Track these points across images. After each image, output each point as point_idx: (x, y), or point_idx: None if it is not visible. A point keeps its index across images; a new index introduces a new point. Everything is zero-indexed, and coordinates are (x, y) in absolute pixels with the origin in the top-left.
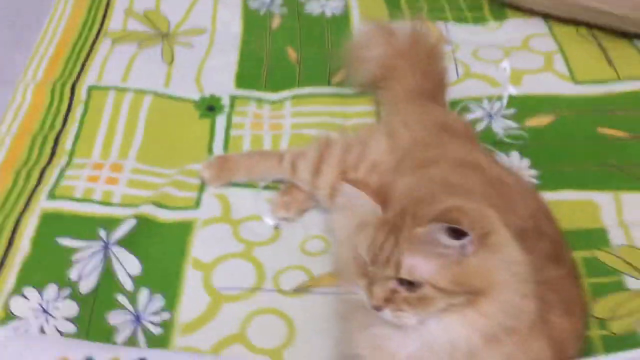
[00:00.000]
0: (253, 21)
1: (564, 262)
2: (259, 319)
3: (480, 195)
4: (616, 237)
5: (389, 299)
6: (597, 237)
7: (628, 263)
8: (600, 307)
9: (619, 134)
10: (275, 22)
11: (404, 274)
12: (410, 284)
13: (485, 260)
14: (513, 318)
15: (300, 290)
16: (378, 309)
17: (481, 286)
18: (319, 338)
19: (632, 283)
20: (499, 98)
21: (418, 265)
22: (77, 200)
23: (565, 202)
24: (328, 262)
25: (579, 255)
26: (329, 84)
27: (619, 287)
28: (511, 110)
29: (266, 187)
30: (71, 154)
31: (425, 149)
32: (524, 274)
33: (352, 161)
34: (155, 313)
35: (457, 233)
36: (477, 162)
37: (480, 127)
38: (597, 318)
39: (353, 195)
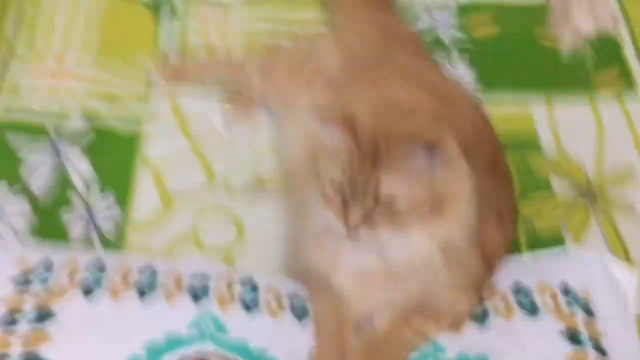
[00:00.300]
0: None
1: (500, 171)
2: (209, 217)
3: (430, 109)
4: (548, 143)
5: (366, 218)
6: (529, 142)
7: (557, 167)
8: (527, 206)
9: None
10: None
11: (383, 197)
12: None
13: (444, 174)
14: (465, 229)
15: (250, 190)
16: (354, 229)
17: (446, 198)
18: (267, 235)
19: (558, 186)
20: (446, 7)
21: (395, 185)
22: (24, 96)
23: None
24: (276, 160)
25: (511, 162)
26: None
27: (548, 189)
28: (458, 20)
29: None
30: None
31: (371, 58)
32: (471, 187)
33: (297, 63)
34: (107, 209)
35: (429, 153)
36: (424, 75)
37: (428, 37)
38: (522, 216)
39: (327, 133)
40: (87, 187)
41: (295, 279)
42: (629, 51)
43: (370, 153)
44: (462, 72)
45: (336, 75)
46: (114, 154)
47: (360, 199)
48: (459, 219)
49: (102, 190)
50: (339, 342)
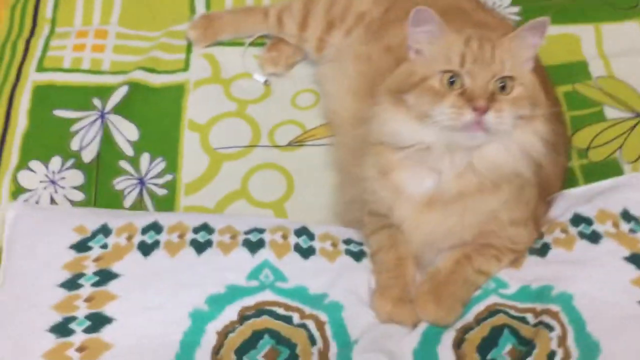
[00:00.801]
0: None
1: (549, 99)
2: (258, 175)
3: None
4: (596, 69)
5: (491, 101)
6: (577, 70)
7: (607, 94)
8: (580, 138)
9: None
10: None
11: (507, 71)
12: (502, 90)
13: (536, 81)
14: (547, 143)
15: (295, 143)
16: (483, 111)
17: (539, 102)
18: (316, 187)
19: (610, 113)
20: None
21: (513, 65)
22: (67, 70)
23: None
24: (319, 114)
25: (560, 90)
26: None
27: (599, 118)
28: None
29: (253, 44)
30: (53, 23)
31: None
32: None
33: (337, 13)
34: (158, 176)
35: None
36: (461, 7)
37: None
38: (577, 148)
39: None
40: (137, 154)
41: (347, 225)
42: None
43: (485, 38)
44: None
45: (375, 15)
46: (160, 120)
47: (488, 68)
48: (547, 122)
49: (152, 155)
50: (399, 275)
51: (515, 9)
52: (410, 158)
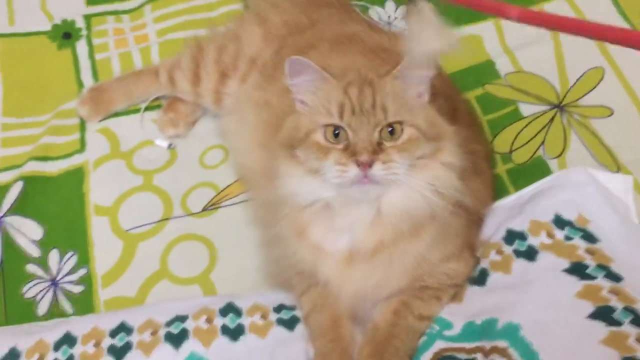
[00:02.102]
0: None
1: (461, 116)
2: (177, 249)
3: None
4: (504, 66)
5: (377, 152)
6: (485, 71)
7: (519, 90)
8: (501, 142)
9: None
10: None
11: (392, 117)
12: (391, 134)
13: (433, 110)
14: (459, 169)
15: (210, 207)
16: (368, 165)
17: (440, 133)
18: (241, 250)
19: (526, 109)
20: None
21: (399, 107)
22: None
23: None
24: (231, 170)
25: (472, 95)
26: None
27: (516, 116)
28: None
29: (149, 108)
30: None
31: (300, 34)
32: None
33: (228, 61)
34: (71, 272)
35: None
36: (354, 33)
37: None
38: (499, 154)
39: (296, 71)
40: (44, 254)
41: (279, 287)
42: None
43: (365, 82)
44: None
45: (267, 58)
46: (64, 211)
47: (370, 118)
48: (455, 155)
49: (61, 251)
50: (336, 338)
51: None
52: (318, 215)
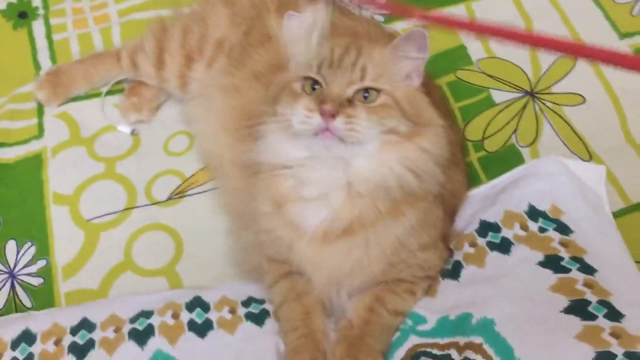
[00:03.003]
0: None
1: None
2: (141, 239)
3: None
4: (476, 51)
5: (344, 106)
6: (458, 56)
7: (491, 76)
8: (473, 130)
9: None
10: None
11: (369, 80)
12: (365, 99)
13: (423, 98)
14: (438, 161)
15: (176, 196)
16: (331, 115)
17: (423, 119)
18: (208, 240)
19: (498, 96)
20: None
21: (380, 75)
22: None
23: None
24: (197, 157)
25: (443, 81)
26: None
27: (488, 103)
28: None
29: (110, 92)
30: None
31: (267, 15)
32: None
33: (194, 44)
34: (30, 263)
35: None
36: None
37: None
38: (471, 141)
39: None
40: (0, 244)
41: (248, 275)
42: None
43: (355, 46)
44: None
45: (235, 41)
46: (21, 199)
47: (345, 75)
48: (435, 147)
49: (19, 242)
50: (308, 333)
51: (382, 1)
52: (294, 187)
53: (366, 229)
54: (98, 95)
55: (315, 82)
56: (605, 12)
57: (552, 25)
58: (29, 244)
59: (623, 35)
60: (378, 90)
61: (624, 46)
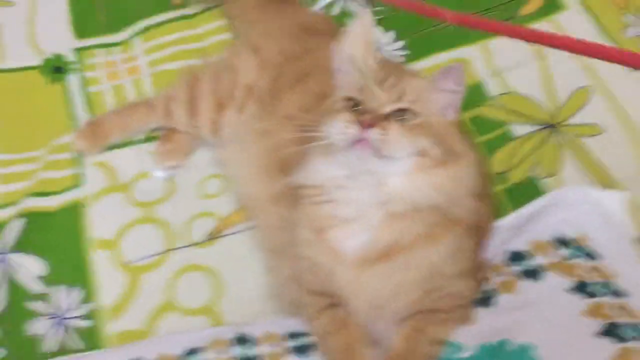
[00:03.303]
0: None
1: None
2: (182, 280)
3: None
4: (494, 87)
5: (381, 120)
6: (476, 93)
7: (510, 110)
8: (496, 162)
9: None
10: None
11: (406, 101)
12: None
13: (457, 132)
14: (469, 191)
15: (213, 236)
16: (368, 124)
17: (456, 150)
18: (247, 278)
19: (518, 130)
20: None
21: (417, 100)
22: None
23: (438, 66)
24: (231, 198)
25: (465, 116)
26: (171, 7)
27: (508, 137)
28: None
29: (146, 140)
30: None
31: (296, 61)
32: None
33: (225, 90)
34: (77, 307)
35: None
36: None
37: (335, 11)
38: (497, 174)
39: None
40: (49, 290)
41: (288, 311)
42: None
43: (395, 71)
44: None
45: (264, 86)
46: (66, 246)
47: (384, 94)
48: (466, 178)
49: (66, 287)
50: None
51: (401, 44)
52: (334, 204)
53: (405, 252)
54: (133, 143)
55: (356, 103)
56: (618, 46)
57: (566, 59)
58: (75, 288)
59: None
60: (414, 113)
61: (638, 78)
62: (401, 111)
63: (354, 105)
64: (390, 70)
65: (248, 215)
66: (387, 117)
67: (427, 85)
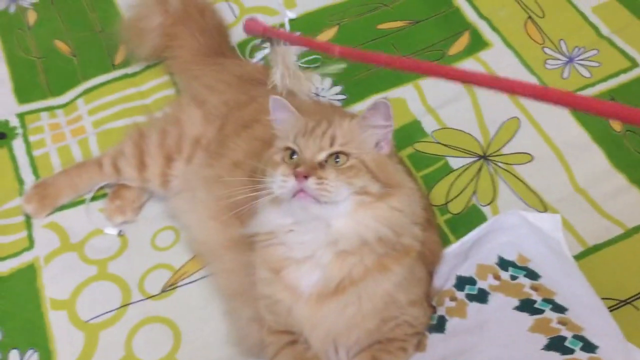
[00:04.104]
0: (6, 24)
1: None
2: (140, 334)
3: None
4: (429, 124)
5: (316, 169)
6: (413, 130)
7: (446, 145)
8: (436, 195)
9: (397, 24)
10: (31, 18)
11: (337, 146)
12: (336, 163)
13: (393, 164)
14: (413, 219)
15: (168, 288)
16: (303, 176)
17: (393, 182)
18: (204, 327)
19: (454, 162)
20: (282, 26)
21: (349, 142)
22: None
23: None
24: (184, 249)
25: (404, 154)
26: (112, 67)
27: (446, 170)
28: (297, 34)
29: (94, 198)
30: None
31: (240, 110)
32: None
33: (172, 144)
34: None
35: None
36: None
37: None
38: (436, 206)
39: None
40: (4, 355)
41: (250, 354)
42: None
43: (326, 120)
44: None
45: (211, 136)
46: (20, 310)
47: (317, 142)
48: (407, 207)
49: (21, 350)
50: None
51: (338, 89)
52: (286, 247)
53: (357, 285)
54: (82, 202)
55: (293, 152)
56: (539, 78)
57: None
58: (31, 351)
59: None
60: (347, 155)
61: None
62: (335, 155)
63: (292, 154)
64: (320, 118)
65: (203, 262)
66: (321, 164)
67: (357, 125)
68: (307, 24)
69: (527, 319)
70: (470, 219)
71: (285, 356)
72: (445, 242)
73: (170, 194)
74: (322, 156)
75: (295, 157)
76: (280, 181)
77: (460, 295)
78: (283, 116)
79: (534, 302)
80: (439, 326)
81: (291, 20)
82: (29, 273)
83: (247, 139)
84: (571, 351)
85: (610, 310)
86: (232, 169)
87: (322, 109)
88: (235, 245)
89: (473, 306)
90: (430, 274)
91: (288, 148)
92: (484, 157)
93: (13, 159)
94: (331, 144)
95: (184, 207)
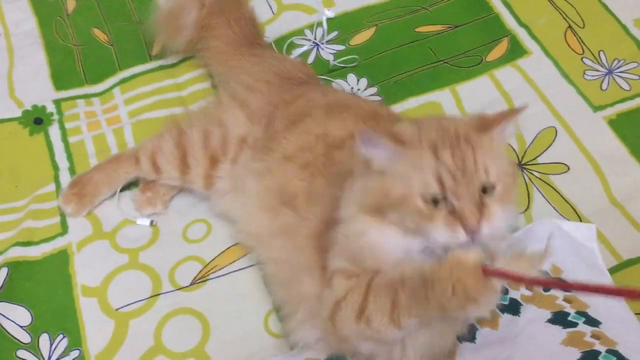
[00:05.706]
0: (46, 11)
1: None
2: (169, 324)
3: None
4: None
5: (484, 214)
6: None
7: None
8: None
9: (436, 28)
10: (70, 5)
11: (493, 177)
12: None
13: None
14: None
15: (199, 280)
16: (477, 230)
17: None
18: (232, 320)
19: None
20: (319, 24)
21: (493, 165)
22: None
23: (411, 110)
24: (215, 243)
25: None
26: (149, 58)
27: None
28: (334, 34)
29: (125, 188)
30: None
31: (286, 107)
32: None
33: (217, 145)
34: (63, 355)
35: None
36: (345, 101)
37: (311, 59)
38: None
39: (368, 143)
40: (34, 339)
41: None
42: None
43: (457, 145)
44: (353, 83)
45: (253, 139)
46: (51, 294)
47: (472, 180)
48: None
49: (51, 335)
50: None
51: (374, 90)
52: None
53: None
54: (114, 192)
55: (435, 197)
56: (578, 89)
57: (531, 102)
58: (61, 336)
59: (596, 109)
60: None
61: (599, 118)
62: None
63: (432, 200)
64: (452, 139)
65: (254, 253)
66: (484, 202)
67: (496, 139)
68: (345, 23)
69: (560, 332)
70: None
71: (381, 281)
72: None
73: (214, 195)
74: (477, 196)
75: (439, 202)
76: (446, 232)
77: None
78: (382, 154)
79: (567, 314)
80: (471, 335)
81: (329, 20)
82: (62, 258)
83: (298, 134)
84: None
85: None
86: (283, 162)
87: (372, 108)
88: (279, 232)
89: (505, 317)
90: None
91: (433, 194)
92: (520, 165)
93: (49, 145)
94: (487, 177)
95: (234, 205)
